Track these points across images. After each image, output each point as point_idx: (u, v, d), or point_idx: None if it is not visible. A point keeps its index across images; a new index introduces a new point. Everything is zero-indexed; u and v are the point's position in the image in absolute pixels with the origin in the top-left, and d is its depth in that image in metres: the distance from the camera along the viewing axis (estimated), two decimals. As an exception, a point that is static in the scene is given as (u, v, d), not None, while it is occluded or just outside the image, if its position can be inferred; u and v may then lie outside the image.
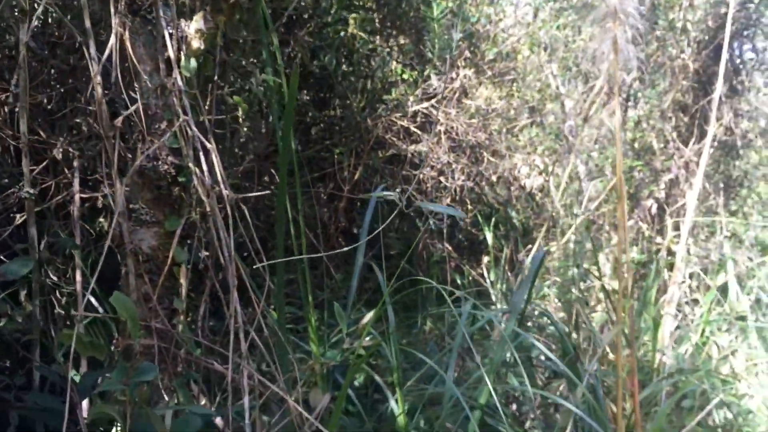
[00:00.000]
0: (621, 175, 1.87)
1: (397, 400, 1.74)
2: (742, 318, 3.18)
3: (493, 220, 5.15)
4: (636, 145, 4.69)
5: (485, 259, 5.00)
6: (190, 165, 1.32)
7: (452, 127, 4.57)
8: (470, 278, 4.72)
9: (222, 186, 1.29)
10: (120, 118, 1.26)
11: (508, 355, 2.86)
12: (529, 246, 4.76)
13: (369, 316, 1.54)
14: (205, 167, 1.33)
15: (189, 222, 1.50)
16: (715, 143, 4.30)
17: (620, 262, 1.98)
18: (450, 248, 4.87)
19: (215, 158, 1.29)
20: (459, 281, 4.63)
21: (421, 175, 4.68)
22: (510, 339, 1.79)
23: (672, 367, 2.74)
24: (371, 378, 2.46)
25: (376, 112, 4.19)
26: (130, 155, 1.48)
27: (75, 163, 2.13)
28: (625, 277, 2.12)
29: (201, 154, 1.34)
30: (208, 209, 1.33)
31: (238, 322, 1.27)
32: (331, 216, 4.39)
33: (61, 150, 2.15)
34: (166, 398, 1.39)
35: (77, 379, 1.31)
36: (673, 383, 2.53)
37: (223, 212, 1.33)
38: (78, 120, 2.25)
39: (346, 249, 1.92)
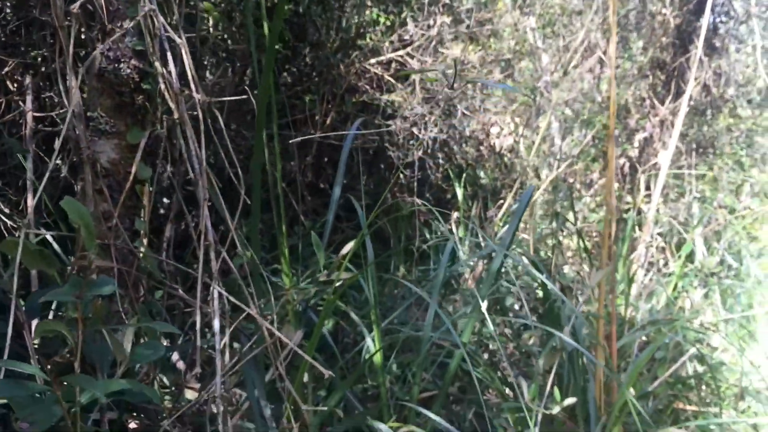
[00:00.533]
0: (614, 106, 1.78)
1: (374, 339, 1.65)
2: (713, 275, 3.18)
3: (464, 176, 5.08)
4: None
5: (454, 215, 4.94)
6: (157, 65, 1.18)
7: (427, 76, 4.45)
8: (439, 233, 4.65)
9: (193, 88, 1.15)
10: (77, 4, 1.10)
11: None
12: (501, 201, 4.70)
13: (349, 246, 1.43)
14: (173, 70, 1.19)
15: (153, 135, 1.36)
16: (692, 102, 4.27)
17: (608, 201, 1.90)
18: (420, 202, 4.78)
19: (185, 55, 1.15)
20: (428, 236, 4.56)
21: (394, 126, 4.56)
22: (492, 280, 1.71)
23: (645, 319, 2.71)
24: (341, 325, 2.37)
25: (349, 57, 4.03)
26: (88, 60, 1.32)
27: (27, 80, 1.95)
28: (611, 220, 2.05)
29: (169, 54, 1.19)
30: (176, 116, 1.19)
31: (209, 239, 1.15)
32: (300, 166, 4.25)
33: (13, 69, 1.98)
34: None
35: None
36: (645, 335, 2.50)
37: (194, 122, 1.19)
38: (34, 53, 2.08)
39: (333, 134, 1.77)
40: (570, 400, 1.51)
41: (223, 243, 1.38)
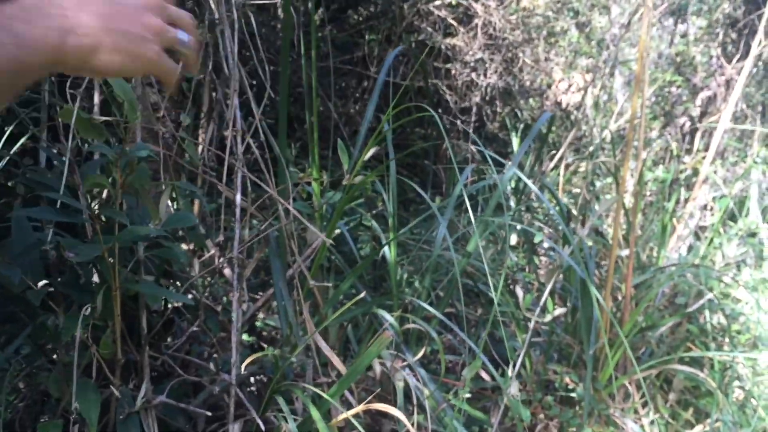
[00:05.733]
0: (643, 44, 1.81)
1: (389, 241, 1.79)
2: (753, 235, 3.15)
3: (521, 126, 5.09)
4: (678, 59, 4.53)
5: (508, 164, 4.97)
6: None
7: (490, 22, 4.46)
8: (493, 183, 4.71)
9: (231, -9, 1.29)
10: None
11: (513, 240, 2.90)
12: (553, 152, 4.71)
13: (370, 150, 1.57)
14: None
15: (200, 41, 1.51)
16: (760, 62, 4.14)
17: (629, 135, 1.95)
18: (474, 150, 4.84)
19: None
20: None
21: (453, 70, 4.60)
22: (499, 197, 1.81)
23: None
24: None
25: (413, -2, 4.11)
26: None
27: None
28: (635, 138, 2.11)
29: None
30: (216, 17, 1.34)
31: (237, 127, 1.30)
32: (355, 94, 4.40)
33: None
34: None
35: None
36: (669, 277, 2.54)
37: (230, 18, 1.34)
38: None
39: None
40: (560, 311, 1.62)
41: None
